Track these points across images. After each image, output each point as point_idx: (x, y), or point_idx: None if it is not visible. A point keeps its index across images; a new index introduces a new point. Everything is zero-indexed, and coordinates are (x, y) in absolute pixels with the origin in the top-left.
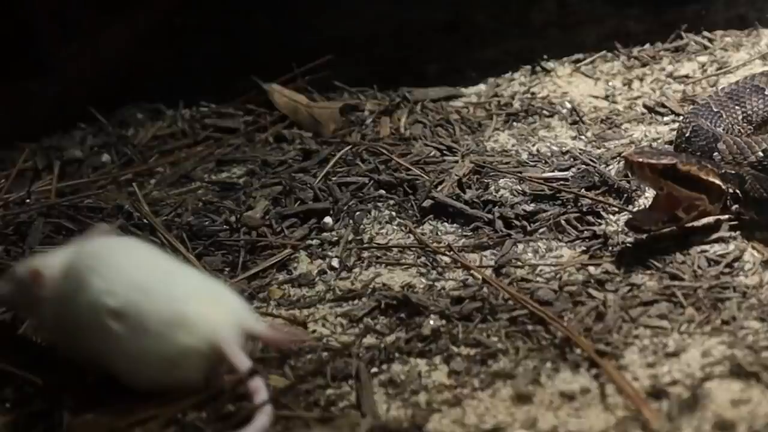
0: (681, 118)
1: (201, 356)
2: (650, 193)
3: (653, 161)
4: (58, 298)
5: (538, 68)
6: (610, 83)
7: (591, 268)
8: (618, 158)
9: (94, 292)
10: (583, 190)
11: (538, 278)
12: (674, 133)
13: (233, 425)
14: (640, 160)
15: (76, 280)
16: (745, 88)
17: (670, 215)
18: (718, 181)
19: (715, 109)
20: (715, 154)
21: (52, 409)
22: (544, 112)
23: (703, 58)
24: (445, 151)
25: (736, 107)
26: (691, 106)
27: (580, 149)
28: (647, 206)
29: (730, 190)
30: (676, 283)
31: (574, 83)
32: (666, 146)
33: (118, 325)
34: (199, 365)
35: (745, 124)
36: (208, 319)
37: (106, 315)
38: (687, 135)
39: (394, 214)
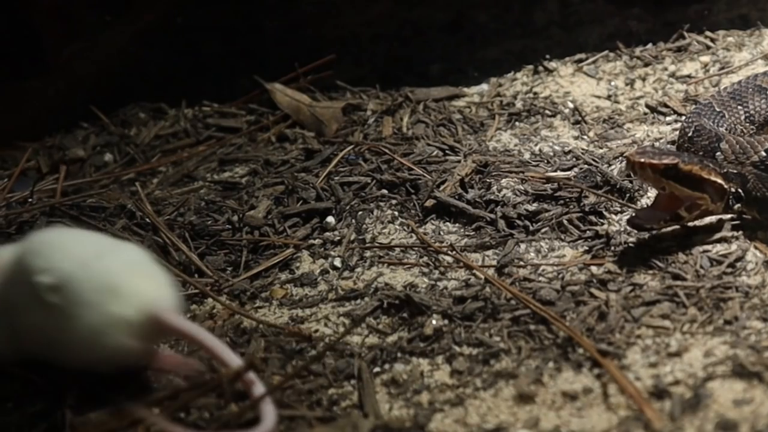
0: (683, 117)
1: (136, 327)
2: (652, 193)
3: (655, 161)
4: (5, 284)
5: (540, 68)
6: (613, 83)
7: (593, 268)
8: (620, 158)
9: (33, 270)
10: (584, 190)
11: (541, 278)
12: (676, 132)
13: (236, 425)
14: (642, 160)
15: (19, 264)
16: (747, 87)
17: (673, 214)
18: (720, 180)
19: (718, 109)
20: (718, 153)
21: (54, 409)
22: (547, 111)
23: (705, 58)
24: (447, 151)
25: (739, 107)
26: (694, 106)
27: (583, 149)
28: (650, 205)
29: (732, 189)
30: (679, 283)
31: (577, 83)
32: (668, 146)
33: (55, 298)
34: (135, 336)
35: (747, 124)
36: (143, 290)
37: (45, 289)
38: (690, 134)
39: (396, 213)
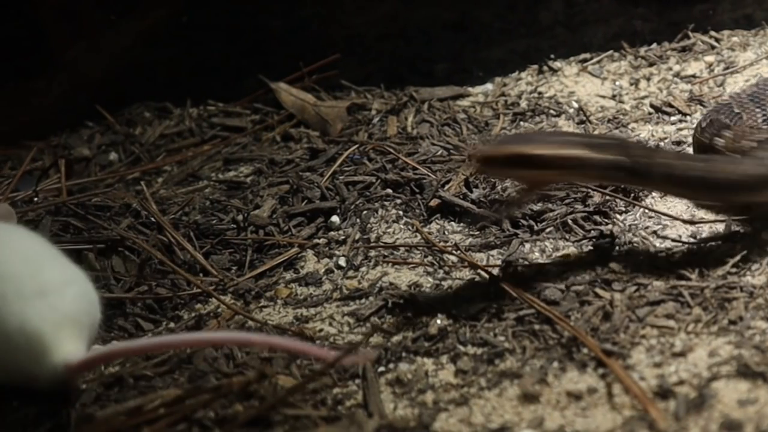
0: (704, 112)
1: (50, 377)
2: (656, 193)
3: (495, 153)
4: None
5: (545, 67)
6: (617, 83)
7: (598, 268)
8: None
9: None
10: (589, 190)
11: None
12: (681, 132)
13: (242, 425)
14: (484, 154)
15: None
16: (765, 89)
17: (531, 194)
18: (577, 152)
19: (737, 110)
20: (718, 138)
21: (59, 408)
22: (551, 111)
23: (710, 58)
24: (452, 151)
25: (757, 109)
26: (714, 104)
27: None
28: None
29: (607, 157)
30: (683, 282)
31: (581, 83)
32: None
33: None
34: (46, 382)
35: (765, 126)
36: (64, 348)
37: None
38: (703, 126)
39: (401, 213)
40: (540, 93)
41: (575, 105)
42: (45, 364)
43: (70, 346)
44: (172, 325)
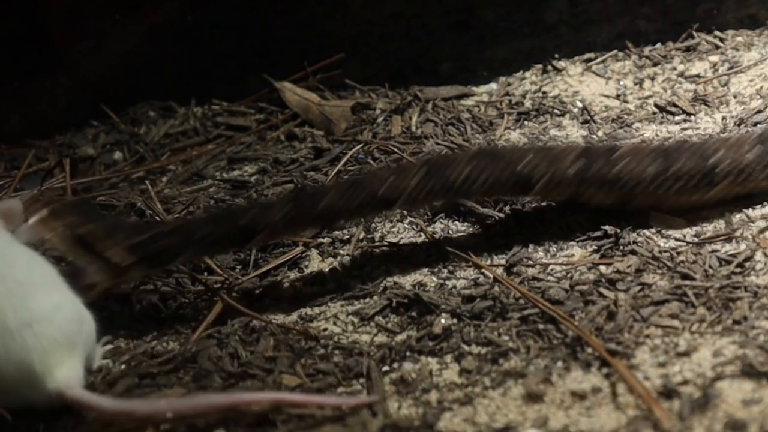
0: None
1: (46, 403)
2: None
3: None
4: None
5: (549, 67)
6: (621, 82)
7: (602, 268)
8: None
9: None
10: None
11: (549, 277)
12: (685, 132)
13: (244, 423)
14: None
15: None
16: None
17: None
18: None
19: None
20: None
21: (63, 408)
22: (555, 111)
23: (714, 58)
24: (456, 150)
25: None
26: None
27: None
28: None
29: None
30: (688, 282)
31: (586, 82)
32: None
33: None
34: (44, 406)
35: None
36: (54, 375)
37: None
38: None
39: (405, 212)
40: (544, 92)
41: (579, 104)
42: (39, 393)
43: (63, 372)
44: (176, 324)
